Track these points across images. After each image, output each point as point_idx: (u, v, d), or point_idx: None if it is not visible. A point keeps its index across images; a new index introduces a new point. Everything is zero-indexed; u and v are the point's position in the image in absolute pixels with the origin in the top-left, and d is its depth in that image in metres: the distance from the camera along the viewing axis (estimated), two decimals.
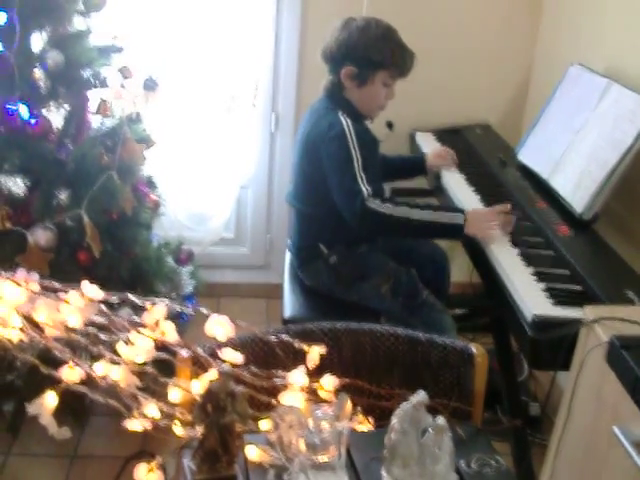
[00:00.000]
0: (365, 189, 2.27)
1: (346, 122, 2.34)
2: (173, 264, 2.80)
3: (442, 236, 2.49)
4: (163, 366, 1.47)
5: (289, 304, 2.51)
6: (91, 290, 1.41)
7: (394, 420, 1.21)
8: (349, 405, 1.18)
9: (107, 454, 2.48)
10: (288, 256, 2.72)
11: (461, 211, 2.33)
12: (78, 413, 2.35)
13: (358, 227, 2.33)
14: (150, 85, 2.57)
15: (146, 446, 2.34)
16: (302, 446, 1.14)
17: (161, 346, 1.45)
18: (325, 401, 1.37)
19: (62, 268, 2.27)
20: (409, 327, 2.20)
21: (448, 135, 3.22)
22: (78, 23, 2.43)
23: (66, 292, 1.42)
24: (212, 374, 1.28)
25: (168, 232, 3.01)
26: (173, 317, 2.45)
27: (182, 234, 3.08)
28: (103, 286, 1.49)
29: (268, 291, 3.52)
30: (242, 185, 3.49)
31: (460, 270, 3.31)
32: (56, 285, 1.45)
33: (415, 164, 2.92)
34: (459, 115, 3.39)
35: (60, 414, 1.42)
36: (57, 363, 1.43)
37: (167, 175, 3.12)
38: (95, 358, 1.43)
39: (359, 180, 2.28)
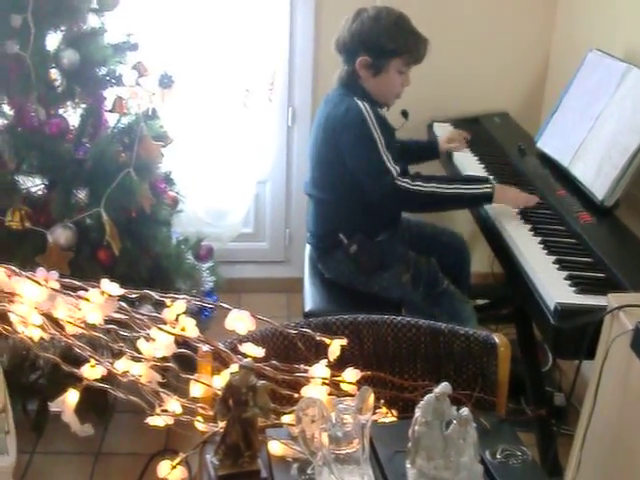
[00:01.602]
0: (393, 168, 2.29)
1: (364, 105, 2.35)
2: (193, 261, 2.79)
3: (473, 206, 2.50)
4: (184, 362, 1.47)
5: (310, 297, 2.51)
6: (111, 287, 1.41)
7: (417, 412, 1.20)
8: (372, 398, 1.16)
9: (131, 451, 2.49)
10: (307, 249, 2.72)
11: (487, 180, 2.36)
12: (101, 410, 2.36)
13: (390, 206, 2.37)
14: (166, 82, 2.56)
15: (170, 443, 2.34)
16: (325, 439, 1.13)
17: (182, 342, 1.45)
18: (348, 394, 1.37)
19: (82, 267, 2.27)
20: (430, 317, 2.20)
21: (466, 124, 3.19)
22: (92, 21, 2.43)
23: (86, 290, 1.42)
24: (233, 369, 1.27)
25: (187, 229, 3.00)
26: (195, 313, 2.47)
27: (201, 230, 3.08)
28: (123, 284, 1.49)
29: (288, 285, 3.51)
30: (260, 180, 3.49)
31: (481, 260, 3.29)
32: (76, 283, 1.45)
33: (428, 148, 2.94)
34: (477, 104, 3.36)
35: (83, 411, 1.42)
36: (79, 361, 1.43)
37: (185, 172, 3.11)
38: (116, 355, 1.43)
39: (385, 160, 2.30)
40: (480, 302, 3.27)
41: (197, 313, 2.48)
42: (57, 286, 1.44)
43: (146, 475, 2.24)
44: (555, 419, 2.58)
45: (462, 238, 2.84)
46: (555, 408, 2.73)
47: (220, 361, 1.42)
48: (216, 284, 2.87)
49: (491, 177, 2.57)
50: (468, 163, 2.78)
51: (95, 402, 2.22)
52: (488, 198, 2.32)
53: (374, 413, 1.40)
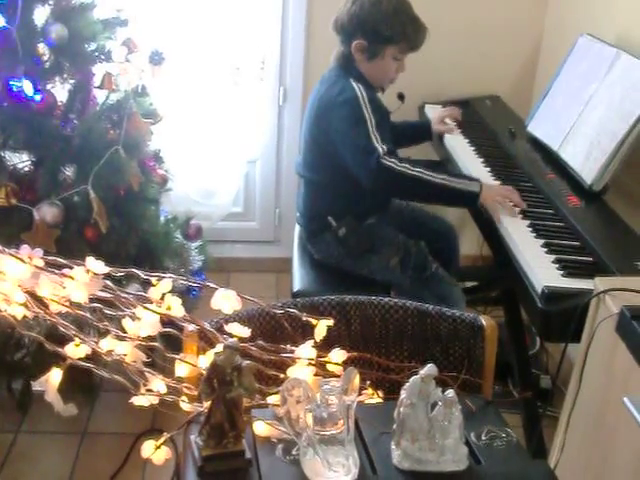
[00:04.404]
0: (380, 147, 2.26)
1: (358, 87, 2.34)
2: (181, 239, 2.78)
3: (456, 202, 2.44)
4: (170, 341, 1.46)
5: (298, 278, 2.50)
6: (96, 265, 1.40)
7: (403, 394, 1.20)
8: (357, 379, 1.16)
9: (117, 431, 2.49)
10: (297, 229, 2.71)
11: (477, 180, 2.31)
12: (87, 389, 2.36)
13: (373, 185, 2.31)
14: (156, 59, 2.54)
15: (157, 423, 2.34)
16: (309, 420, 1.13)
17: (168, 321, 1.44)
18: (334, 375, 1.36)
19: (69, 245, 2.26)
20: (418, 300, 2.19)
21: (458, 107, 3.18)
22: None
23: (71, 268, 1.41)
24: (219, 348, 1.27)
25: (176, 207, 2.99)
26: (183, 292, 2.46)
27: (190, 209, 3.06)
28: (110, 262, 1.47)
29: (278, 265, 3.51)
30: (250, 159, 3.48)
31: (470, 243, 3.29)
32: (61, 261, 1.43)
33: (421, 130, 2.93)
34: (469, 87, 3.35)
35: (69, 391, 1.41)
36: (65, 340, 1.42)
37: (175, 150, 3.09)
38: (103, 334, 1.43)
39: (373, 139, 2.26)
40: (469, 284, 3.28)
41: (185, 292, 2.48)
42: (41, 264, 1.42)
43: (132, 455, 2.24)
44: (541, 401, 2.59)
45: (451, 225, 2.84)
46: (541, 390, 2.75)
47: (206, 341, 1.42)
48: (204, 263, 2.86)
49: (487, 170, 2.55)
50: (459, 146, 2.77)
51: (81, 381, 2.21)
52: (473, 197, 2.26)
53: (360, 394, 1.40)
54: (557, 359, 2.91)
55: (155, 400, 1.36)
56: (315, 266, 2.54)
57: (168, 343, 1.44)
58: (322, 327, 1.40)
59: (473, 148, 2.74)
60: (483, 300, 3.25)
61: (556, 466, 1.73)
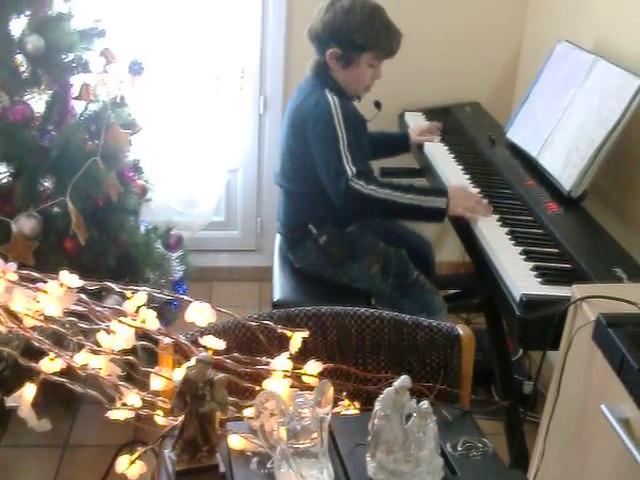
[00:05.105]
0: (349, 169, 2.25)
1: (333, 100, 2.33)
2: (162, 250, 2.77)
3: (424, 219, 2.45)
4: (150, 355, 1.45)
5: (279, 287, 2.49)
6: (70, 279, 1.39)
7: (377, 405, 1.19)
8: (331, 391, 1.16)
9: (99, 443, 2.47)
10: (278, 238, 2.70)
11: (444, 194, 2.31)
12: (68, 402, 2.34)
13: (343, 205, 2.32)
14: (136, 68, 2.53)
15: (138, 435, 2.32)
16: (283, 433, 1.13)
17: (144, 334, 1.43)
18: (310, 387, 1.36)
19: (48, 257, 2.25)
20: (399, 307, 2.19)
21: (438, 114, 3.20)
22: (59, 7, 2.39)
23: (45, 282, 1.40)
24: (192, 362, 1.26)
25: (157, 217, 2.98)
26: (164, 303, 2.45)
27: (171, 219, 3.05)
28: (90, 274, 1.47)
29: (260, 274, 3.50)
30: (231, 168, 3.47)
31: (453, 250, 3.30)
32: (35, 275, 1.42)
33: (398, 141, 2.93)
34: (449, 94, 3.36)
35: (48, 404, 1.40)
36: (42, 354, 1.41)
37: (156, 160, 3.09)
38: (81, 348, 1.41)
39: (344, 160, 2.26)
40: (451, 291, 3.29)
41: (166, 303, 2.47)
42: (15, 278, 1.41)
43: (114, 467, 2.22)
44: (525, 407, 2.60)
45: (427, 241, 2.87)
46: (524, 396, 2.75)
47: (182, 354, 1.41)
48: (186, 273, 2.86)
49: (467, 177, 2.55)
50: (439, 153, 2.78)
51: (61, 394, 2.20)
52: (440, 212, 2.27)
53: (336, 405, 1.40)
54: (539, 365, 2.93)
55: (131, 414, 1.35)
56: (296, 275, 2.54)
57: (149, 356, 1.44)
58: (297, 339, 1.40)
59: (453, 155, 2.74)
60: (466, 307, 3.26)
61: (537, 473, 1.73)
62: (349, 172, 2.24)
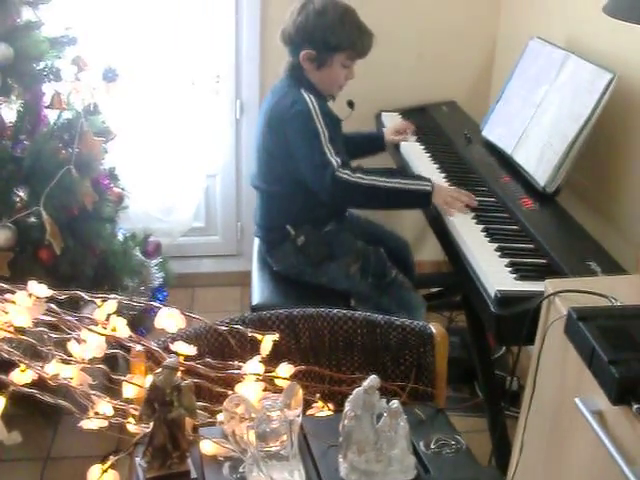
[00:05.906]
0: (334, 160, 2.28)
1: (309, 98, 2.35)
2: (141, 257, 2.76)
3: (411, 203, 2.47)
4: (126, 363, 1.44)
5: (258, 291, 2.49)
6: (38, 289, 1.38)
7: (347, 406, 1.19)
8: (300, 393, 1.16)
9: (81, 454, 2.42)
10: (256, 242, 2.70)
11: (428, 180, 2.34)
12: (49, 414, 2.31)
13: (330, 198, 2.34)
14: (110, 75, 2.53)
15: (122, 444, 2.30)
16: (252, 437, 1.13)
17: (116, 342, 1.42)
18: (283, 390, 1.35)
19: (23, 267, 2.23)
20: (379, 307, 2.19)
21: (414, 114, 3.20)
22: (28, 15, 2.38)
23: (13, 293, 1.39)
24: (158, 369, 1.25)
25: (136, 225, 2.97)
26: (143, 311, 2.44)
27: (150, 226, 3.05)
28: (68, 283, 1.46)
29: (242, 278, 3.48)
30: (210, 173, 3.46)
31: (433, 248, 3.29)
32: (3, 286, 1.42)
33: (374, 141, 2.93)
34: (425, 94, 3.36)
35: (29, 416, 1.39)
36: (13, 366, 1.40)
37: (133, 167, 3.08)
38: (50, 358, 1.41)
39: (327, 152, 2.28)
40: (433, 290, 3.29)
41: (145, 311, 2.46)
42: None
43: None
44: (509, 403, 2.60)
45: (406, 242, 2.87)
46: (507, 392, 2.75)
47: (154, 360, 1.40)
48: (165, 280, 2.84)
49: (442, 175, 2.56)
50: (414, 153, 2.78)
51: (41, 406, 2.18)
52: (426, 195, 2.29)
53: (310, 407, 1.40)
54: (523, 360, 2.93)
55: (104, 423, 1.35)
56: (274, 278, 2.53)
57: (117, 365, 1.43)
58: (268, 342, 1.40)
59: (429, 154, 2.74)
60: (447, 305, 3.26)
61: (516, 467, 1.73)
62: (334, 163, 2.27)
